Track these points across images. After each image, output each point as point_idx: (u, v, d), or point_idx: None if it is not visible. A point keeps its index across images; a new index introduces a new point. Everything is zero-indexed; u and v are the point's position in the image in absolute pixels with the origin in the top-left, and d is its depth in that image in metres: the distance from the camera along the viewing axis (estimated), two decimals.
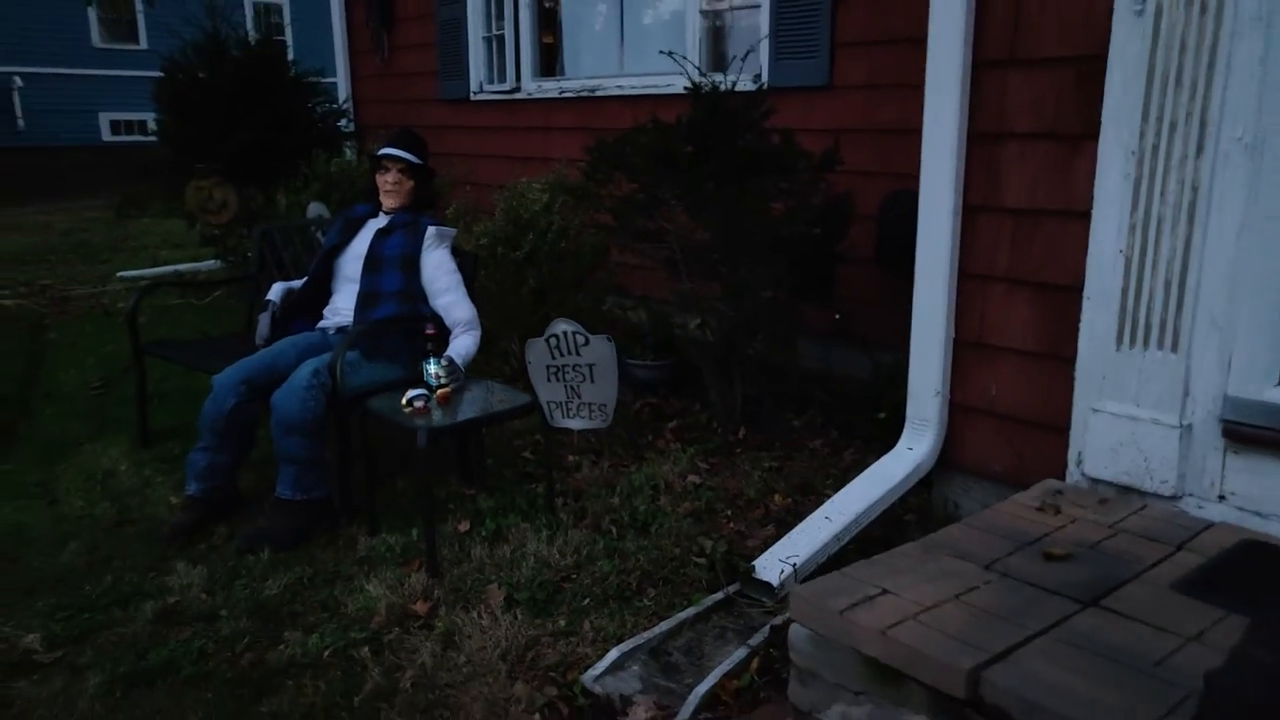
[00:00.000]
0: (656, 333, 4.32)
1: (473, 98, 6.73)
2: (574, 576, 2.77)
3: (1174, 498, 2.53)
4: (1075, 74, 2.60)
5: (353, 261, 3.39)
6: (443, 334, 3.19)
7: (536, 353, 2.96)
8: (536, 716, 2.19)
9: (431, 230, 3.35)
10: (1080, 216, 2.62)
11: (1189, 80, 2.36)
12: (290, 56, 6.89)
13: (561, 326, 2.92)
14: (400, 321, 3.22)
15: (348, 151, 7.08)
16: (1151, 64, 2.42)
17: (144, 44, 18.48)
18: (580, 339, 2.89)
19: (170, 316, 5.63)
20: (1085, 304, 2.64)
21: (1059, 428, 2.74)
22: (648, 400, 4.32)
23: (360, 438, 3.10)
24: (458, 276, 3.37)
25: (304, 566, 2.84)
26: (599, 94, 5.70)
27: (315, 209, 5.33)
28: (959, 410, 3.00)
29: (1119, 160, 2.51)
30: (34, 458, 3.72)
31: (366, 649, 2.44)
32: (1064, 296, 2.69)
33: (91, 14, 17.24)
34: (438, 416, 2.87)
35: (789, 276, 3.66)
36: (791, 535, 2.76)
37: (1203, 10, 2.32)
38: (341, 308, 3.37)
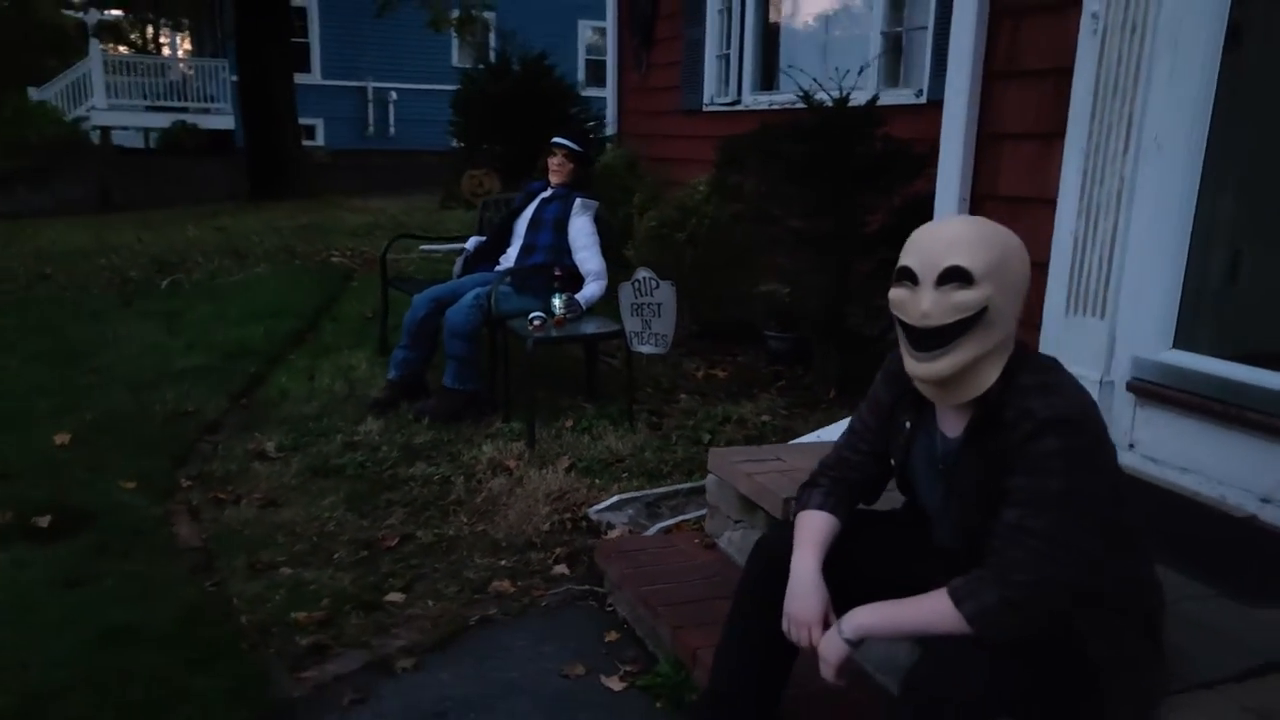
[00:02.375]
0: (788, 309, 5.11)
1: (704, 109, 7.78)
2: (624, 460, 3.73)
3: None
4: (1053, 84, 3.17)
5: (524, 222, 4.56)
6: (572, 278, 4.27)
7: (625, 293, 3.95)
8: (548, 524, 3.18)
9: (579, 202, 4.44)
10: (1049, 204, 3.19)
11: (1122, 89, 2.91)
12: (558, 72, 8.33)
13: (641, 273, 3.89)
14: (546, 267, 4.33)
15: (608, 149, 8.40)
16: (1099, 76, 2.98)
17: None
18: (653, 283, 3.84)
19: (428, 267, 7.15)
20: (1049, 278, 3.19)
21: None
22: (775, 366, 5.12)
23: (504, 349, 4.24)
24: (595, 238, 4.43)
25: (448, 432, 4.02)
26: (798, 106, 6.53)
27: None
28: None
29: (1076, 156, 3.07)
30: (310, 355, 5.24)
31: (462, 478, 3.55)
32: (1035, 272, 3.24)
33: (454, 39, 20.33)
34: (547, 333, 3.95)
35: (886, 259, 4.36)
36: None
37: (1133, 32, 2.87)
38: (511, 255, 4.55)
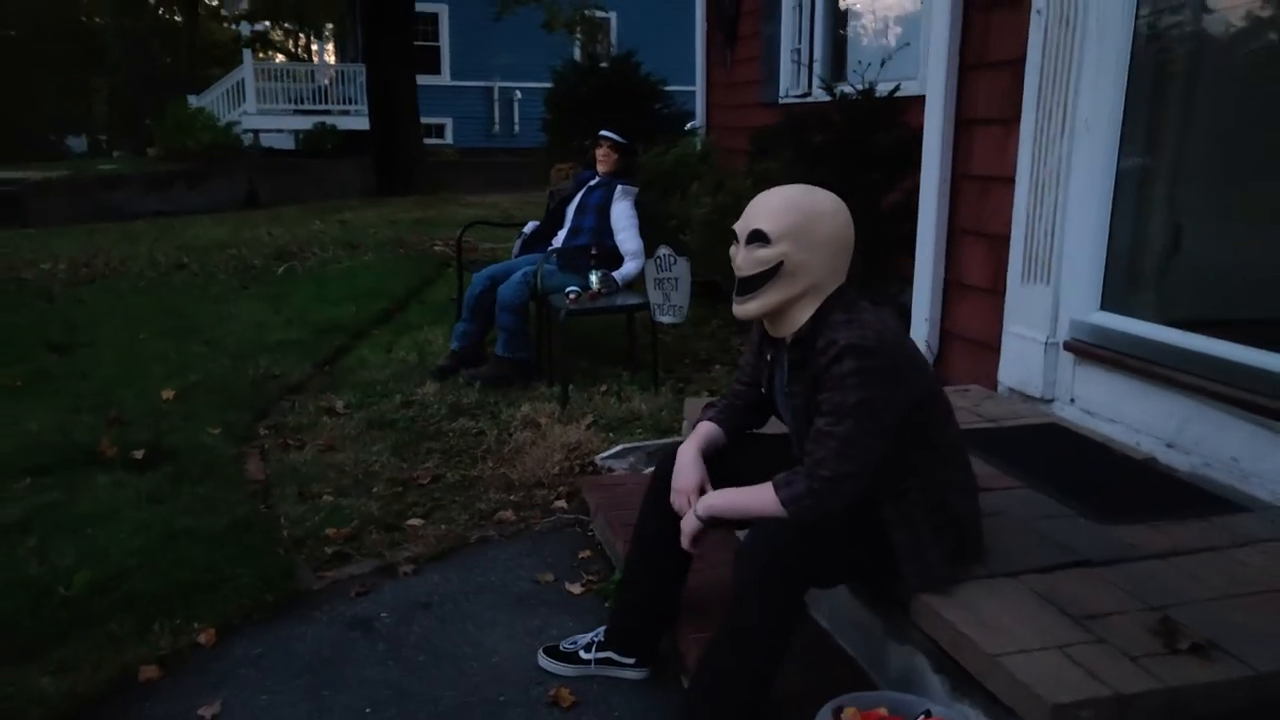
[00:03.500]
0: None
1: (780, 101, 8.12)
2: (642, 418, 4.19)
3: (1049, 400, 3.33)
4: (1011, 74, 3.46)
5: (572, 207, 5.07)
6: (612, 257, 4.75)
7: (649, 268, 4.40)
8: (558, 467, 3.68)
9: (620, 188, 4.92)
10: (1009, 182, 3.48)
11: (1060, 77, 3.19)
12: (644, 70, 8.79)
13: (662, 250, 4.34)
14: (588, 248, 4.82)
15: (697, 143, 8.83)
16: (1043, 63, 3.26)
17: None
18: (671, 259, 4.29)
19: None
20: (1010, 250, 3.48)
21: (994, 348, 3.59)
22: None
23: (549, 321, 4.76)
24: (634, 221, 4.90)
25: (494, 394, 4.56)
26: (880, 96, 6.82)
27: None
28: (945, 335, 3.91)
29: (1029, 139, 3.36)
30: (393, 331, 5.90)
31: (496, 431, 4.09)
32: (1000, 244, 3.55)
33: (578, 39, 21.10)
34: (581, 305, 4.45)
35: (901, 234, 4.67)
36: None
37: (1067, 25, 3.14)
38: (560, 237, 5.07)
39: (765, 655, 1.90)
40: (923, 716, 1.80)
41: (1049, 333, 3.27)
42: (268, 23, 19.93)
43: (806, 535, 1.90)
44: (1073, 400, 3.23)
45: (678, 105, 9.07)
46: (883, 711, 1.84)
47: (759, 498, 1.96)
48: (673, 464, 2.23)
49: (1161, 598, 2.00)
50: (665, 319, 4.40)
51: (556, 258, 4.86)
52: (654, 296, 4.43)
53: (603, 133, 5.09)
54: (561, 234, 5.07)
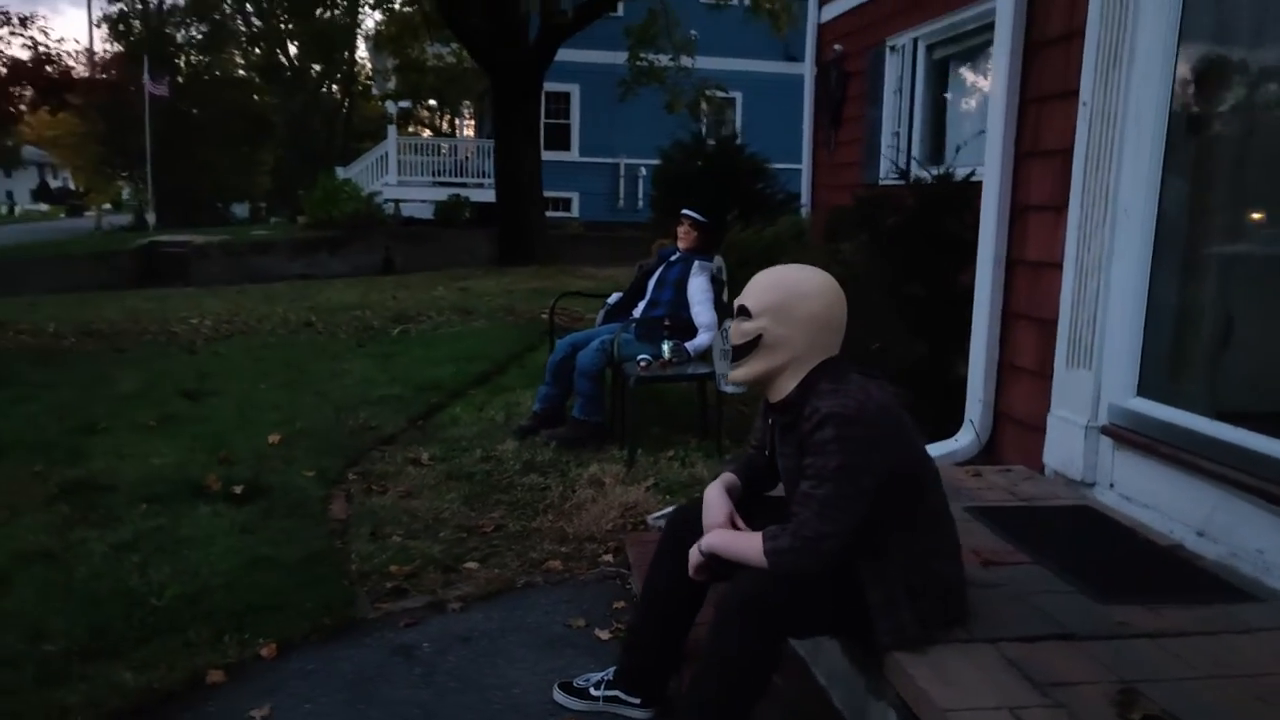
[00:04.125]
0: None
1: (880, 183, 8.29)
2: (701, 482, 4.36)
3: (1090, 484, 3.36)
4: (1061, 162, 3.58)
5: (653, 280, 5.35)
6: (683, 328, 4.99)
7: (717, 339, 4.61)
8: (612, 524, 3.89)
9: (697, 264, 5.18)
10: (1057, 267, 3.57)
11: (1103, 166, 3.30)
12: (749, 150, 9.12)
13: (729, 323, 4.54)
14: (663, 319, 5.08)
15: (803, 214, 9.07)
16: (1087, 153, 3.38)
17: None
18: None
19: None
20: (1058, 334, 3.56)
21: (1041, 430, 3.64)
22: None
23: (624, 388, 5.02)
24: (709, 295, 5.14)
25: (568, 454, 4.82)
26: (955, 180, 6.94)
27: (716, 262, 7.39)
28: (999, 416, 3.97)
29: (1074, 225, 3.46)
30: (489, 392, 6.26)
31: (561, 487, 4.33)
32: (1049, 328, 3.63)
33: (705, 119, 21.75)
34: (650, 373, 4.69)
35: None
36: None
37: (1109, 118, 3.26)
38: (640, 308, 5.34)
39: (741, 688, 2.05)
40: None
41: (1090, 417, 3.32)
42: (409, 101, 21.25)
43: (784, 586, 2.06)
44: (1112, 485, 3.26)
45: (780, 184, 9.32)
46: None
47: (750, 545, 2.13)
48: (683, 516, 2.43)
49: (1137, 673, 2.06)
50: (729, 389, 4.58)
51: (634, 327, 5.14)
52: (719, 367, 4.59)
53: (685, 211, 5.37)
54: (641, 305, 5.35)
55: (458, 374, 6.51)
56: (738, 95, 23.36)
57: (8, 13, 6.27)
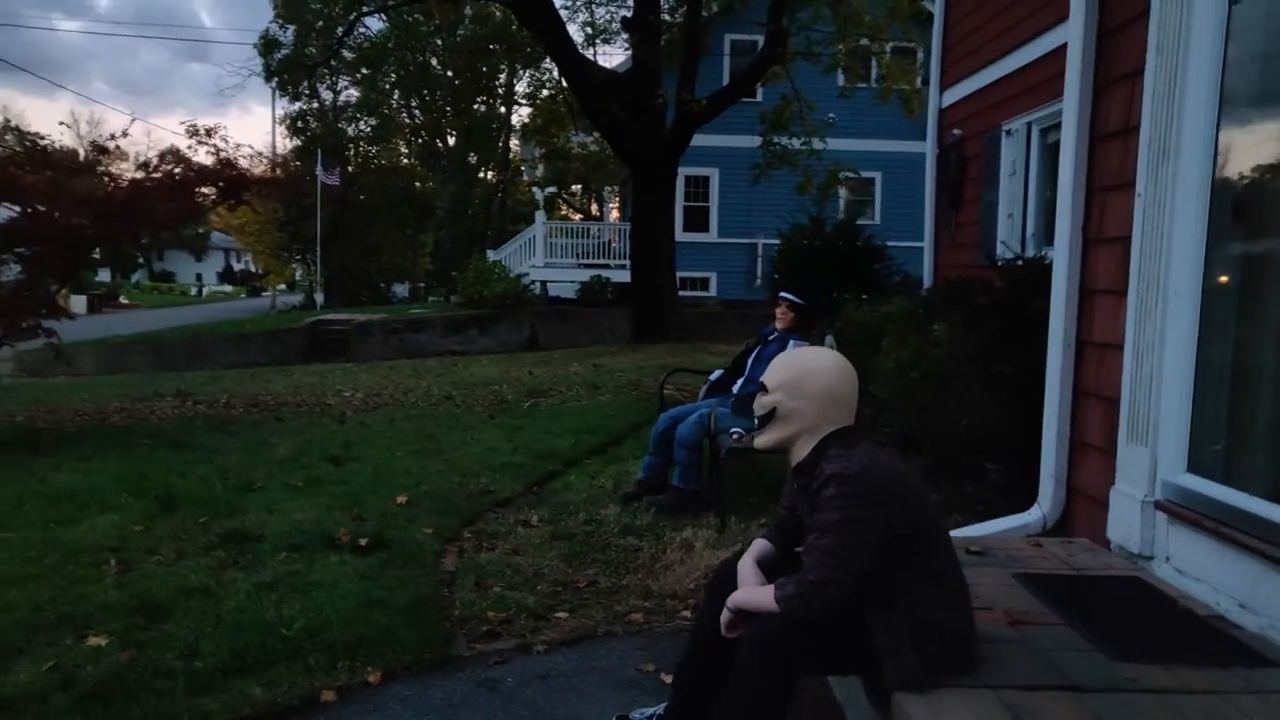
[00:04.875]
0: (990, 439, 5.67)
1: (997, 263, 8.41)
2: None
3: (1148, 558, 3.48)
4: (1122, 249, 3.77)
5: (752, 358, 5.71)
6: None
7: None
8: (695, 584, 4.21)
9: (791, 342, 5.50)
10: (1119, 348, 3.74)
11: (1156, 252, 3.49)
12: (869, 231, 9.40)
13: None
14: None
15: (924, 292, 9.25)
16: (1142, 240, 3.57)
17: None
18: None
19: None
20: (1120, 411, 3.71)
21: (1105, 504, 3.77)
22: (990, 495, 5.67)
23: (721, 459, 5.35)
24: None
25: (667, 519, 5.17)
26: (1044, 263, 7.05)
27: (828, 340, 7.68)
28: (1071, 492, 4.10)
29: (1133, 308, 3.64)
30: (602, 461, 6.71)
31: (654, 549, 4.68)
32: (1113, 406, 3.78)
33: (840, 199, 22.09)
34: (742, 444, 5.02)
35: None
36: None
37: (1160, 207, 3.46)
38: (738, 384, 5.69)
39: (760, 716, 2.34)
40: None
41: (1146, 492, 3.45)
42: (555, 187, 22.46)
43: (796, 629, 2.36)
44: (1168, 559, 3.37)
45: (898, 264, 9.53)
46: None
47: (764, 596, 2.44)
48: (723, 572, 2.75)
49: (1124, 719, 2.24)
50: None
51: (732, 402, 5.48)
52: None
53: (782, 294, 5.73)
54: (740, 381, 5.70)
55: (576, 445, 6.98)
56: (876, 175, 23.65)
57: (197, 126, 7.38)
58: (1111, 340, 3.81)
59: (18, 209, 7.32)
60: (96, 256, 13.18)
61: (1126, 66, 3.84)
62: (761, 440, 2.55)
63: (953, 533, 4.18)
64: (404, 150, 45.53)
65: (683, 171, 24.05)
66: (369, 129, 42.73)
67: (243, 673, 3.20)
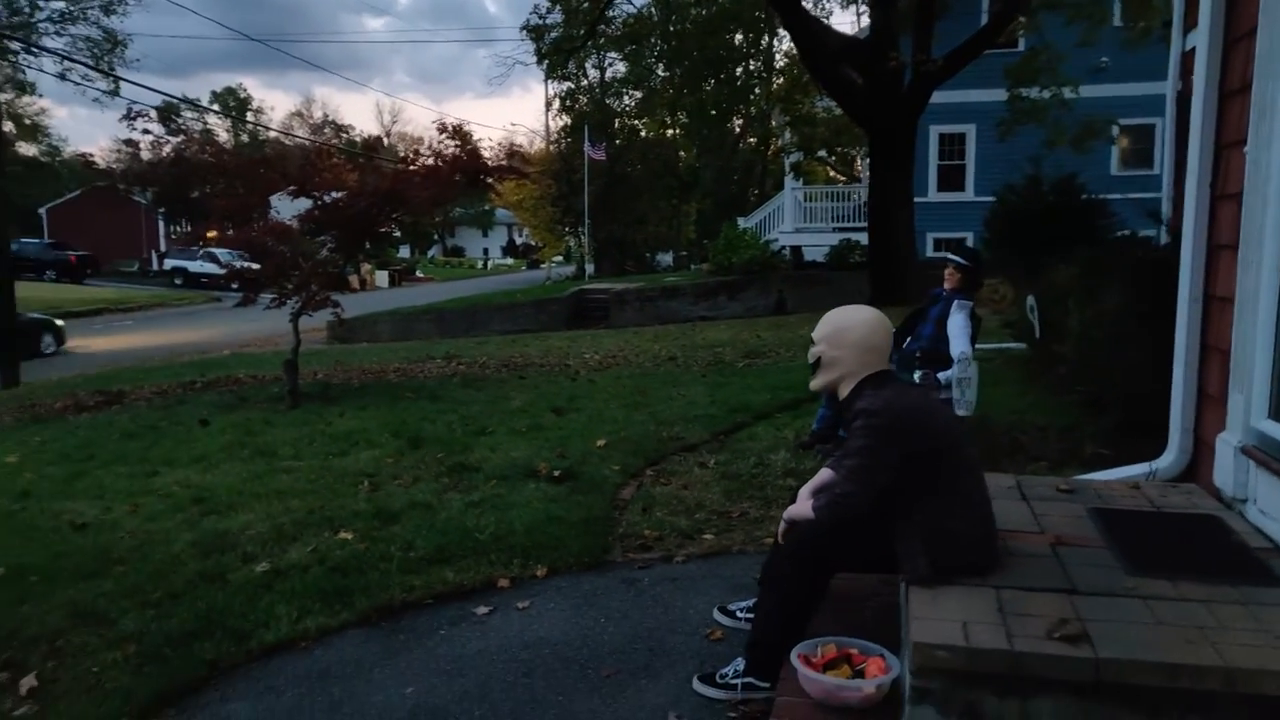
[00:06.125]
0: None
1: None
2: None
3: (1242, 500, 3.70)
4: (1237, 205, 3.92)
5: (919, 318, 6.11)
6: (937, 359, 5.71)
7: (952, 371, 5.30)
8: None
9: (956, 302, 5.86)
10: (1232, 301, 3.91)
11: (1257, 208, 3.67)
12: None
13: (961, 357, 5.22)
14: (916, 353, 5.82)
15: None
16: (1247, 197, 3.75)
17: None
18: (968, 364, 5.16)
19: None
20: (1230, 362, 3.90)
21: (1214, 449, 3.98)
22: None
23: None
24: (964, 330, 5.78)
25: None
26: None
27: (1029, 303, 7.80)
28: (1198, 442, 4.28)
29: (1240, 262, 3.82)
30: (791, 415, 7.29)
31: None
32: (1226, 358, 3.96)
33: (1114, 150, 20.80)
34: None
35: None
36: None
37: (1259, 165, 3.64)
38: (907, 342, 6.11)
39: (793, 604, 2.97)
40: (878, 657, 2.77)
41: (1240, 438, 3.66)
42: (802, 153, 22.78)
43: (827, 533, 2.96)
44: (1255, 501, 3.57)
45: (1120, 220, 9.31)
46: (852, 651, 2.83)
47: (805, 507, 3.05)
48: (794, 498, 3.36)
49: (1098, 616, 2.65)
50: (960, 412, 5.24)
51: (895, 358, 5.93)
52: (955, 393, 5.31)
53: (948, 255, 6.06)
54: (908, 340, 6.11)
55: (771, 400, 7.62)
56: (1156, 121, 22.02)
57: (446, 124, 8.58)
58: (1226, 294, 3.96)
59: (310, 200, 8.92)
60: (398, 235, 15.20)
61: (1247, 24, 3.95)
62: (813, 383, 3.13)
63: (1076, 478, 4.48)
64: (668, 121, 47.12)
65: (936, 129, 23.61)
66: (634, 103, 44.61)
67: (442, 562, 4.19)
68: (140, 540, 4.58)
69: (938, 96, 16.71)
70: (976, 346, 9.99)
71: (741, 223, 24.90)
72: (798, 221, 24.47)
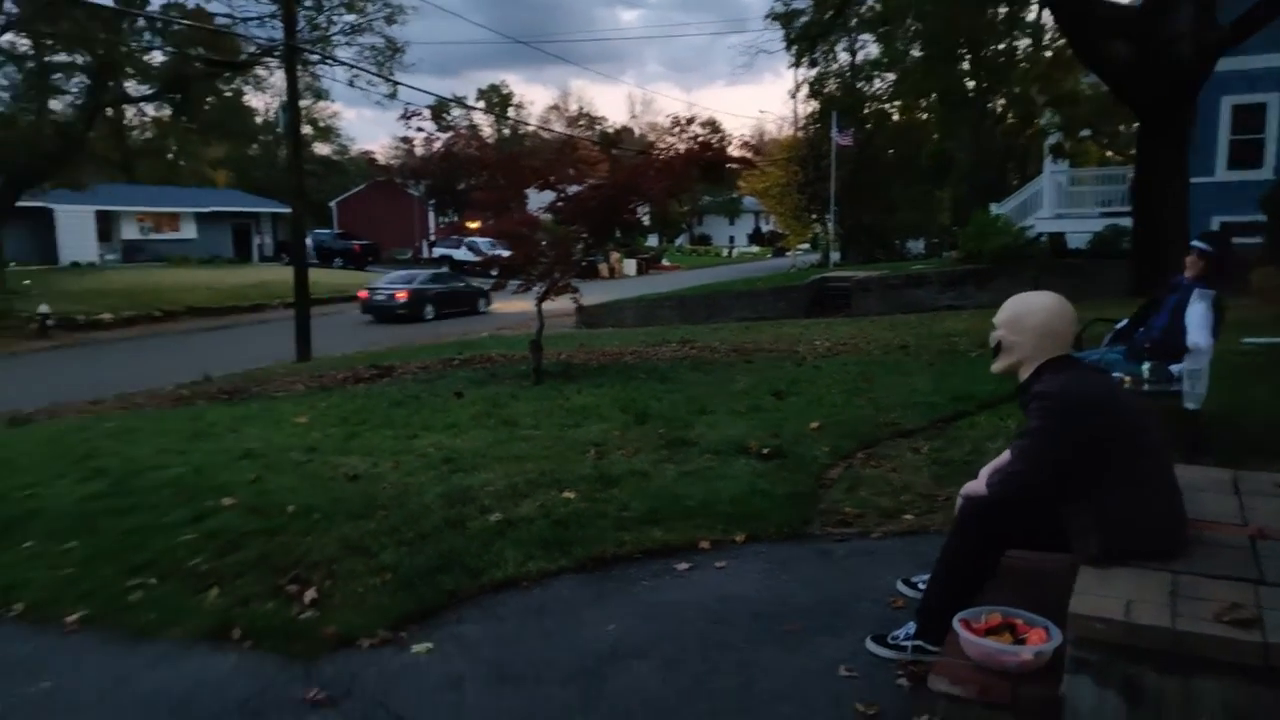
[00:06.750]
0: None
1: None
2: None
3: None
4: None
5: (1155, 307, 5.91)
6: (1167, 351, 5.52)
7: (1183, 364, 5.13)
8: None
9: (1196, 291, 5.62)
10: None
11: None
12: None
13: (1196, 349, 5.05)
14: (1145, 343, 5.64)
15: None
16: None
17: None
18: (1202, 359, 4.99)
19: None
20: None
21: None
22: None
23: None
24: (1204, 321, 5.54)
25: None
26: None
27: None
28: None
29: None
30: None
31: None
32: None
33: None
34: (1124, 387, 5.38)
35: None
36: None
37: None
38: (1140, 332, 5.93)
39: (962, 572, 3.15)
40: (1041, 628, 2.92)
41: None
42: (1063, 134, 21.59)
43: (1000, 508, 3.11)
44: None
45: None
46: (1017, 620, 2.98)
47: (981, 481, 3.21)
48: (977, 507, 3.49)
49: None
50: (1189, 405, 5.07)
51: (1124, 348, 5.77)
52: (1184, 385, 5.14)
53: (1193, 242, 5.81)
54: (1140, 330, 5.92)
55: (996, 389, 7.53)
56: None
57: (678, 118, 8.95)
58: None
59: (554, 193, 9.65)
60: (645, 223, 15.98)
61: None
62: (994, 367, 3.27)
63: None
64: (921, 104, 45.70)
65: (1228, 100, 21.61)
66: (887, 86, 43.64)
67: (651, 523, 4.62)
68: (399, 491, 5.32)
69: (1232, 64, 15.40)
70: (1246, 341, 9.38)
71: (995, 209, 23.93)
72: (1058, 206, 23.24)
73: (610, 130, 74.73)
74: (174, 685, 3.46)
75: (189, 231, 47.09)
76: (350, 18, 33.15)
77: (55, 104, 32.48)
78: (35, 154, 27.71)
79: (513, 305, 24.43)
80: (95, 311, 27.19)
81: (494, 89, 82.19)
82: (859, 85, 43.37)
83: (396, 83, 34.23)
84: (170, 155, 59.52)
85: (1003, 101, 42.15)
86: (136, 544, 4.71)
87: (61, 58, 31.26)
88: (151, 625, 3.92)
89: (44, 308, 25.34)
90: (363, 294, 28.57)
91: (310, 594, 4.02)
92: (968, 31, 37.71)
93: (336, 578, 4.17)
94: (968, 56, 40.94)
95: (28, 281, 30.64)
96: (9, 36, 28.37)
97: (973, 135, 41.57)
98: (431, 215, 58.84)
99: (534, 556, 4.28)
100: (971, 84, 41.72)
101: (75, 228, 41.16)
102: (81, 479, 6.06)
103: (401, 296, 27.21)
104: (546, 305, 10.08)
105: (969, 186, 42.01)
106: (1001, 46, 39.10)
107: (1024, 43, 38.43)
